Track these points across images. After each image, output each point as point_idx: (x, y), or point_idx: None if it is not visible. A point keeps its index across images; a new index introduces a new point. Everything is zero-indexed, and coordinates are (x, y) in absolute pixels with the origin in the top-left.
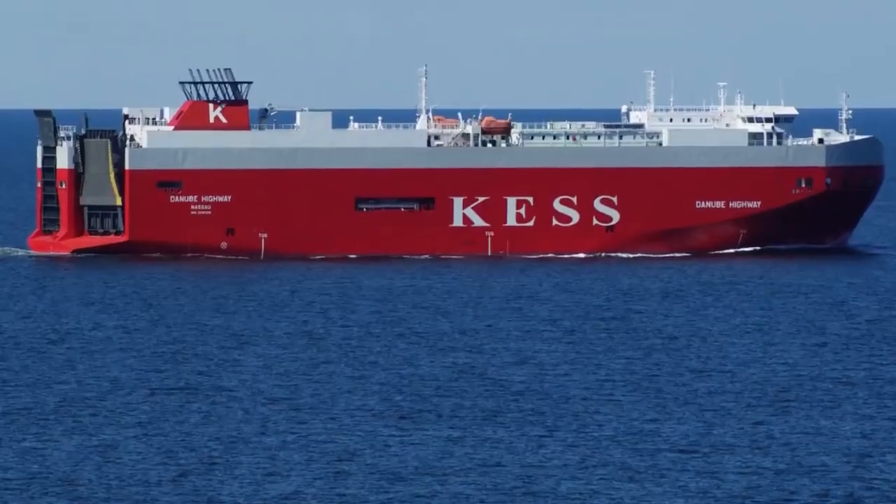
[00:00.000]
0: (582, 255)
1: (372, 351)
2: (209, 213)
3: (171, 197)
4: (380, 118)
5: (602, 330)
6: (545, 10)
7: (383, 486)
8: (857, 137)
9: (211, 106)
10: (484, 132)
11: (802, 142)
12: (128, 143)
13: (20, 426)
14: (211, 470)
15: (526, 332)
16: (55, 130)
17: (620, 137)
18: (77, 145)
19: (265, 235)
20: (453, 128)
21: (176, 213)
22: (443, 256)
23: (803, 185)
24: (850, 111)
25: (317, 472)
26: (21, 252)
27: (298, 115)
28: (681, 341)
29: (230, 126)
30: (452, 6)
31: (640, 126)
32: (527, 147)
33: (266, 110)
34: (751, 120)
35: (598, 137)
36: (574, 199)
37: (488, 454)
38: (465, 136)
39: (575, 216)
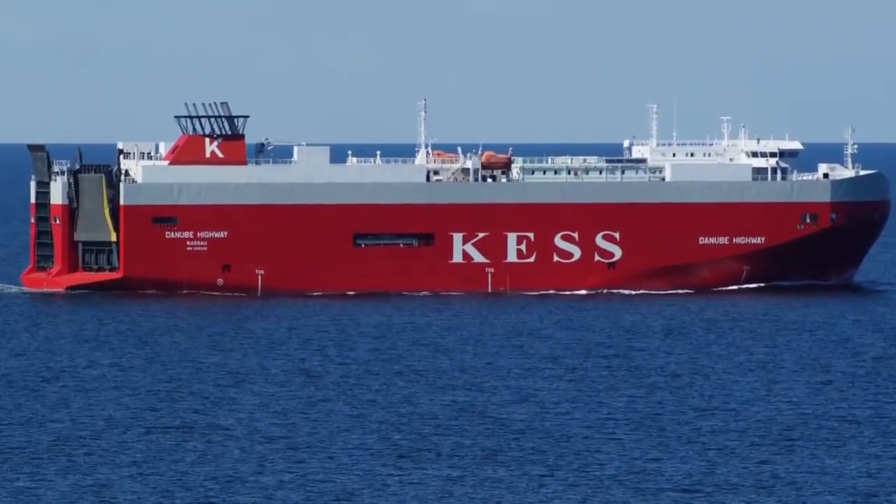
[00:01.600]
0: (583, 292)
1: (370, 389)
2: (205, 249)
3: (167, 233)
4: (378, 153)
5: (604, 367)
6: (546, 43)
7: None
8: (862, 172)
9: (207, 140)
10: (484, 167)
11: (807, 177)
12: (122, 178)
13: (13, 465)
14: None
15: (527, 370)
16: (49, 165)
17: (622, 172)
18: (71, 180)
19: (262, 272)
20: (453, 163)
21: (171, 250)
22: (442, 293)
23: (808, 220)
24: (856, 146)
25: None
26: (14, 289)
27: (296, 149)
28: (684, 379)
29: (226, 161)
30: (452, 39)
31: (643, 161)
32: (527, 182)
33: (263, 145)
34: (755, 154)
35: (600, 172)
36: (575, 235)
37: (489, 494)
38: (465, 171)
39: (576, 252)
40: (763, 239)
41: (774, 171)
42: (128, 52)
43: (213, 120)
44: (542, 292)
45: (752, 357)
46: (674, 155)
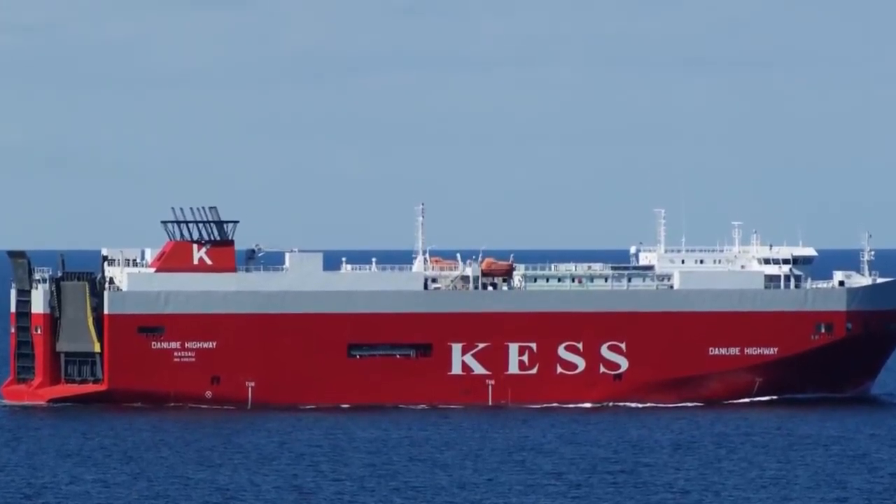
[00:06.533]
0: (588, 405)
1: None
2: (193, 360)
3: (153, 343)
4: (374, 260)
5: (609, 484)
6: (548, 145)
7: None
8: (879, 280)
9: (195, 246)
10: (484, 274)
11: (822, 284)
12: (107, 285)
13: None
14: None
15: (529, 487)
16: (30, 272)
17: (629, 280)
18: (53, 288)
19: (252, 384)
20: (452, 270)
21: (158, 361)
22: (441, 406)
23: (823, 330)
24: (873, 252)
25: None
26: None
27: (287, 256)
28: (693, 496)
29: (215, 268)
30: (450, 141)
31: (650, 268)
32: (530, 290)
33: (253, 251)
34: (767, 261)
35: (606, 280)
36: (580, 346)
37: None
38: (465, 278)
39: (581, 363)
40: (776, 350)
41: (788, 278)
42: (112, 154)
43: (201, 225)
44: (545, 405)
45: (765, 473)
46: (683, 262)
